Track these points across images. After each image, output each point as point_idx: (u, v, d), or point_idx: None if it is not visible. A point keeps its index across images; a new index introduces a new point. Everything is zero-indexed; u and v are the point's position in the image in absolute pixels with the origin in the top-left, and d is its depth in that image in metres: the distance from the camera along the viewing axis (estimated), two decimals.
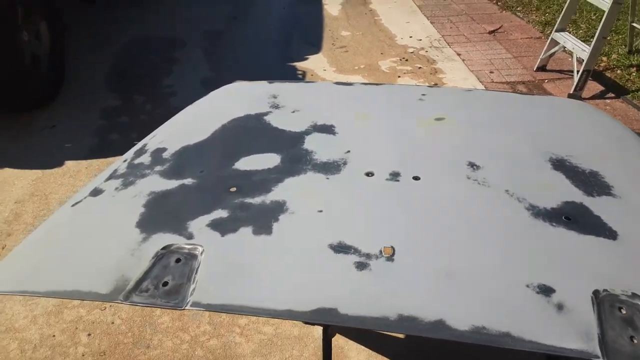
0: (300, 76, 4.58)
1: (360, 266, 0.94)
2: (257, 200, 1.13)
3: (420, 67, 4.78)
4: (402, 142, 1.35)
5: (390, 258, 0.96)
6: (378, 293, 0.89)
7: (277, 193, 1.15)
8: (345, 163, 1.25)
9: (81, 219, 1.11)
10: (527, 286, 0.90)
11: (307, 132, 1.40)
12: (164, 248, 0.99)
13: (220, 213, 1.08)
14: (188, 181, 1.20)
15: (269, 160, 1.27)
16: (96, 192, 1.18)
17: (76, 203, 1.15)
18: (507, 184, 1.16)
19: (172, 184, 1.19)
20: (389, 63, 4.89)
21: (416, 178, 1.19)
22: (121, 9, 5.85)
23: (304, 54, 5.03)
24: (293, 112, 1.52)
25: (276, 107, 1.55)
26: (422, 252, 0.98)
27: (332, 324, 0.82)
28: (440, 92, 1.73)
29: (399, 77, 4.60)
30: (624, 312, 0.85)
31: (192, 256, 0.97)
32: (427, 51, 5.15)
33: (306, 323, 2.02)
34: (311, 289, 0.90)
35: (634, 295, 0.88)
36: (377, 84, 1.77)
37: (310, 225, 1.05)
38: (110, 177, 1.23)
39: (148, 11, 5.89)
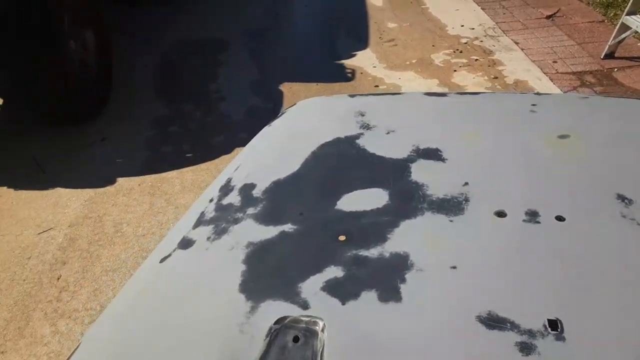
0: (349, 75, 4.38)
1: (525, 349, 0.75)
2: (373, 252, 0.95)
3: (476, 60, 4.49)
4: (528, 168, 1.14)
5: (560, 336, 0.77)
6: None
7: (395, 242, 0.97)
8: (466, 200, 1.06)
9: (174, 279, 0.96)
10: None
11: (410, 159, 1.21)
12: (277, 322, 0.83)
13: (334, 271, 0.91)
14: (288, 227, 1.03)
15: (375, 197, 1.10)
16: (186, 244, 1.03)
17: (165, 258, 1.01)
18: None
19: (271, 231, 1.02)
20: (443, 56, 4.62)
21: (560, 219, 0.99)
22: (156, 10, 5.74)
23: (351, 50, 4.81)
24: (388, 133, 1.33)
25: (367, 127, 1.37)
26: (600, 324, 0.78)
27: None
28: (552, 100, 1.51)
29: (455, 71, 4.34)
30: None
31: (312, 333, 0.81)
32: (481, 41, 4.85)
33: None
34: None
35: None
36: (473, 93, 1.56)
37: (445, 288, 0.87)
38: (199, 223, 1.08)
39: (183, 11, 5.77)
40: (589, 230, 0.96)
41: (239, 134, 3.61)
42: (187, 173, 3.29)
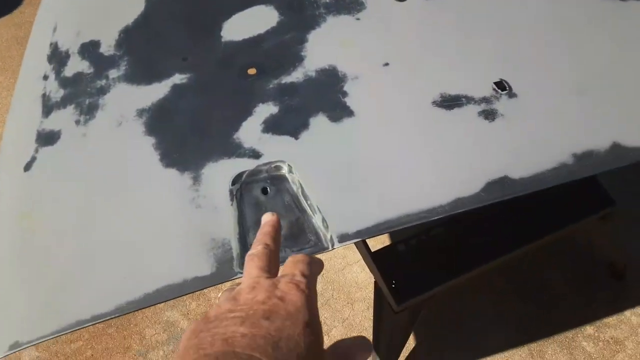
0: None
1: (489, 115, 0.74)
2: (297, 75, 0.80)
3: None
4: None
5: (511, 94, 0.77)
6: (541, 138, 0.71)
7: (315, 58, 0.83)
8: None
9: (65, 184, 0.68)
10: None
11: None
12: (233, 182, 0.66)
13: (267, 109, 0.75)
14: (178, 79, 0.80)
15: (262, 16, 0.90)
16: (48, 138, 0.73)
17: (29, 164, 0.70)
18: None
19: (158, 89, 0.78)
20: None
21: None
22: None
23: None
24: None
25: None
26: (536, 73, 0.80)
27: (516, 195, 0.64)
28: None
29: None
30: None
31: (279, 179, 0.67)
32: None
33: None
34: (463, 163, 0.69)
35: None
36: None
37: (389, 86, 0.79)
38: (49, 109, 0.77)
39: None
40: None
41: None
42: None
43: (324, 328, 1.47)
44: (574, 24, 0.86)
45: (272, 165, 0.68)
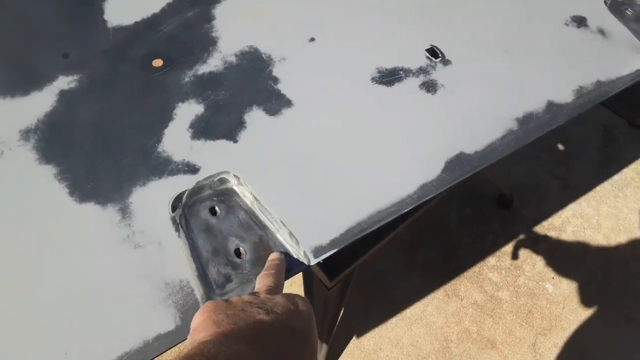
0: None
1: (430, 86, 0.70)
2: (214, 63, 0.68)
3: None
4: None
5: (444, 60, 0.74)
6: (483, 105, 0.70)
7: (229, 39, 0.71)
8: None
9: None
10: (567, 24, 0.82)
11: None
12: (173, 208, 0.54)
13: (189, 108, 0.63)
14: (64, 82, 0.63)
15: None
16: None
17: None
18: None
19: (42, 100, 0.61)
20: None
21: None
22: None
23: None
24: None
25: None
26: (460, 32, 0.78)
27: (475, 170, 0.63)
28: None
29: None
30: (629, 12, 0.87)
31: (228, 193, 0.57)
32: None
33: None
34: (419, 145, 0.65)
35: None
36: None
37: (325, 67, 0.71)
38: None
39: None
40: None
41: None
42: None
43: None
44: None
45: (216, 179, 0.57)
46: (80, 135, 0.58)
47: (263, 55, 0.70)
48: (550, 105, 0.71)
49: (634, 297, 1.54)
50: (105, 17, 0.71)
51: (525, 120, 0.69)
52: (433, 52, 0.74)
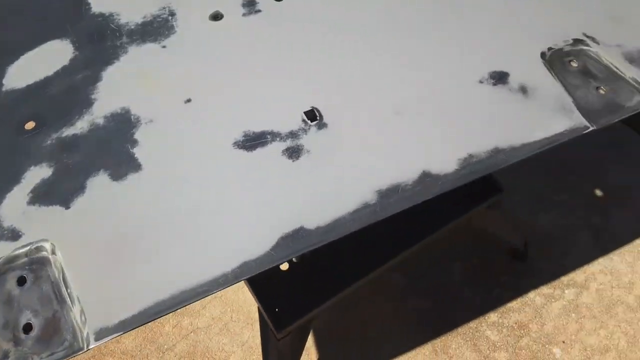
0: None
1: (294, 152, 0.66)
2: (81, 126, 0.70)
3: None
4: None
5: (321, 123, 0.69)
6: (345, 175, 0.64)
7: (106, 101, 0.72)
8: (172, 14, 0.84)
9: None
10: (481, 82, 0.73)
11: None
12: None
13: (39, 172, 0.65)
14: None
15: (54, 54, 0.79)
16: None
17: None
18: None
19: None
20: None
21: None
22: None
23: None
24: None
25: None
26: (350, 97, 0.73)
27: (310, 248, 0.58)
28: None
29: None
30: (574, 64, 0.75)
31: (40, 262, 0.58)
32: None
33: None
34: (256, 218, 0.61)
35: (575, 41, 0.78)
36: None
37: (191, 129, 0.70)
38: None
39: None
40: (310, 6, 0.85)
41: None
42: None
43: (222, 355, 1.40)
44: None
45: (33, 247, 0.58)
46: None
47: (132, 116, 0.70)
48: (424, 176, 0.63)
49: None
50: (4, 81, 0.76)
51: (388, 193, 0.62)
52: (312, 114, 0.70)
